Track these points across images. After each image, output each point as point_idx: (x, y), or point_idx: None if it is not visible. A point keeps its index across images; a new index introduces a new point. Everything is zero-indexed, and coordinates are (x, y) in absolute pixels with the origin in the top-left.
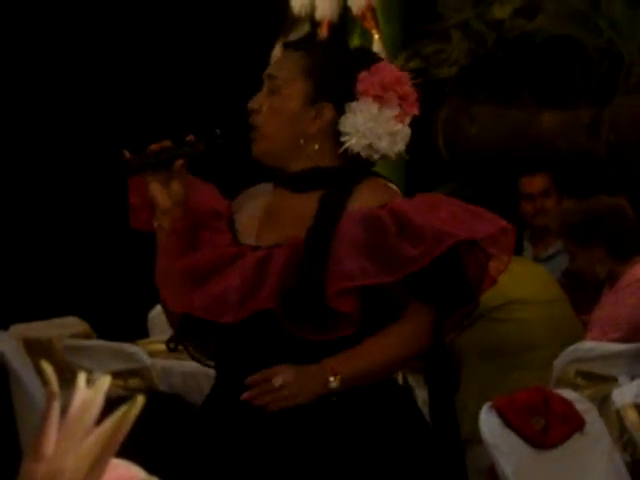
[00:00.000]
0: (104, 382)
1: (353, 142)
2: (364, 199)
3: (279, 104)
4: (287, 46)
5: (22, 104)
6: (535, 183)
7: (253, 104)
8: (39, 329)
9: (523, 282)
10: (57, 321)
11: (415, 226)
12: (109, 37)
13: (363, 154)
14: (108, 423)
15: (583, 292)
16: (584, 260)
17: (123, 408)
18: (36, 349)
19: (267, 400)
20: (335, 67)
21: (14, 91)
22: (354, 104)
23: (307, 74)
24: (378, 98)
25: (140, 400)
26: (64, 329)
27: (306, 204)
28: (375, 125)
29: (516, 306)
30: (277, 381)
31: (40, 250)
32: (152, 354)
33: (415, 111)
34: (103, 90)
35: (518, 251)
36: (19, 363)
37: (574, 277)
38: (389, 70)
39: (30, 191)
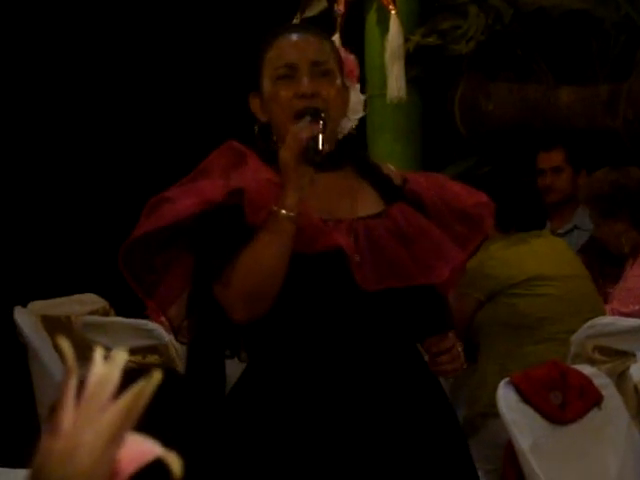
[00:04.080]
0: (121, 357)
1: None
2: (394, 174)
3: (338, 87)
4: (307, 31)
5: (22, 104)
6: (547, 159)
7: (306, 88)
8: (58, 306)
9: (543, 258)
10: (76, 298)
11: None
12: (113, 24)
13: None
14: (125, 398)
15: (601, 267)
16: (608, 231)
17: (140, 383)
18: (54, 326)
19: (454, 367)
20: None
21: (14, 91)
22: (355, 85)
23: (335, 59)
24: (357, 78)
25: (157, 375)
26: (83, 306)
27: (350, 182)
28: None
29: (536, 282)
30: (458, 347)
31: (58, 227)
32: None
33: None
34: (103, 86)
35: (541, 225)
36: (38, 340)
37: (591, 252)
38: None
39: (50, 170)
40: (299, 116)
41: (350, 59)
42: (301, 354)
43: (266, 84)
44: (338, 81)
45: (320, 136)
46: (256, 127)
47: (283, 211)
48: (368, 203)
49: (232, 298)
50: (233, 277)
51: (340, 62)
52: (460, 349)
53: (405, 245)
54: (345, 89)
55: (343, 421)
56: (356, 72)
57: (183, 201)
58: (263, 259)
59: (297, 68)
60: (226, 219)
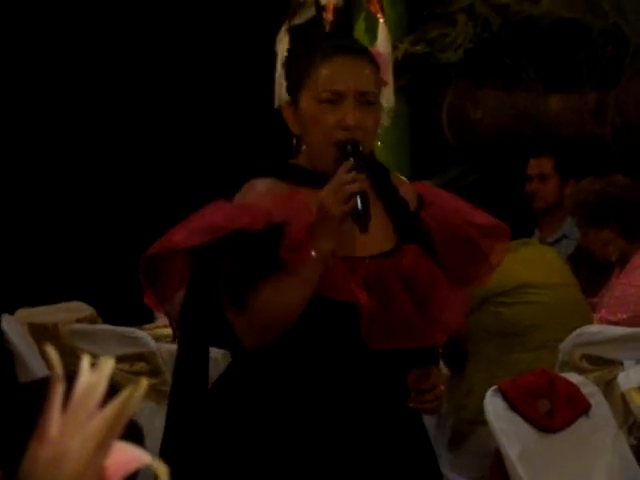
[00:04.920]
0: (108, 365)
1: None
2: (410, 195)
3: (378, 117)
4: (359, 55)
5: (22, 103)
6: (535, 166)
7: (350, 120)
8: (45, 314)
9: (532, 266)
10: (63, 306)
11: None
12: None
13: None
14: (112, 406)
15: (589, 276)
16: (595, 240)
17: (127, 391)
18: (42, 334)
19: (436, 405)
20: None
21: (14, 91)
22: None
23: (379, 84)
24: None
25: (144, 383)
26: (70, 314)
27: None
28: None
29: (524, 290)
30: (441, 387)
31: (46, 235)
32: (158, 339)
33: None
34: (103, 84)
35: (529, 234)
36: (25, 348)
37: (579, 261)
38: None
39: (35, 176)
40: (341, 152)
41: (384, 57)
42: (291, 382)
43: (307, 101)
44: (378, 110)
45: (365, 198)
46: (294, 140)
47: (316, 254)
48: (383, 236)
49: (248, 325)
50: (254, 305)
51: (379, 86)
52: (442, 388)
53: (415, 297)
54: (380, 115)
55: (325, 445)
56: (389, 71)
57: (227, 217)
58: (287, 295)
59: (344, 96)
60: (260, 247)
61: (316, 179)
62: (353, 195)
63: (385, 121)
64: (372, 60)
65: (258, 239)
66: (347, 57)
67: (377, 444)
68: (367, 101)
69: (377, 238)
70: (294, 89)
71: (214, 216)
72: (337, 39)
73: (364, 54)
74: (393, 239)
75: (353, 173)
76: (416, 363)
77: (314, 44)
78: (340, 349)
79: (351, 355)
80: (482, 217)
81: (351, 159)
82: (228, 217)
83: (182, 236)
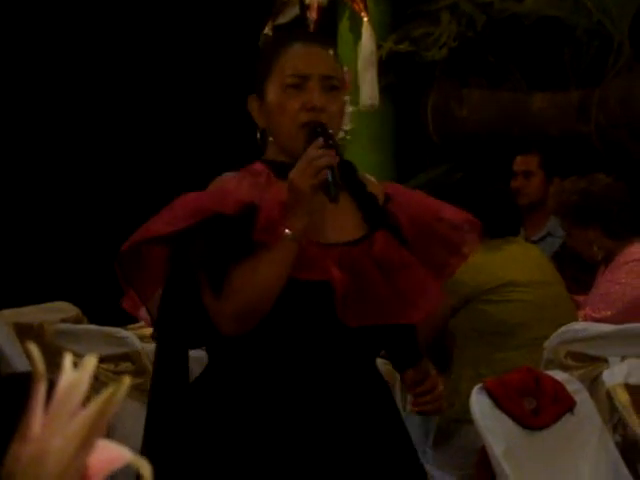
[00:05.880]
0: (90, 363)
1: None
2: (378, 190)
3: (342, 102)
4: (319, 42)
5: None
6: (521, 162)
7: (316, 102)
8: (30, 314)
9: (517, 264)
10: (48, 306)
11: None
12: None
13: None
14: (95, 405)
15: (574, 274)
16: (581, 239)
17: (109, 389)
18: (27, 334)
19: (437, 406)
20: None
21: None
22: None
23: (341, 72)
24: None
25: (126, 381)
26: (55, 314)
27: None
28: None
29: (509, 288)
30: (440, 387)
31: (31, 235)
32: (143, 338)
33: None
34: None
35: (516, 232)
36: (10, 348)
37: (564, 259)
38: None
39: (20, 177)
40: (311, 134)
41: (345, 71)
42: (269, 365)
43: (272, 91)
44: (342, 96)
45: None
46: (258, 133)
47: (289, 232)
48: (353, 225)
49: (225, 311)
50: (231, 289)
51: (342, 75)
52: (442, 388)
53: (388, 279)
54: (344, 103)
55: (301, 425)
56: (349, 84)
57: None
58: (263, 276)
59: (308, 79)
60: (234, 230)
61: (287, 170)
62: (322, 169)
63: (347, 123)
64: (334, 49)
65: (232, 222)
66: (309, 43)
67: (358, 427)
68: (331, 85)
69: (347, 227)
70: (260, 82)
71: (187, 203)
72: (296, 29)
73: (325, 42)
74: (363, 228)
75: (322, 150)
76: (394, 344)
77: (276, 38)
78: (317, 331)
79: (328, 337)
80: (451, 211)
81: (320, 138)
82: (201, 203)
83: (158, 225)
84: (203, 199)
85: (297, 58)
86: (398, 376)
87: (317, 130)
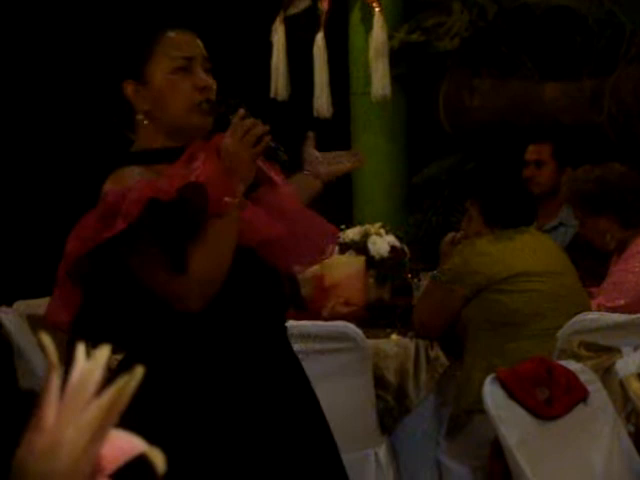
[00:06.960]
0: (103, 354)
1: None
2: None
3: (214, 82)
4: (186, 28)
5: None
6: (533, 151)
7: (204, 82)
8: (44, 305)
9: (529, 254)
10: None
11: None
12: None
13: None
14: (107, 394)
15: (588, 264)
16: (593, 228)
17: (122, 379)
18: (40, 326)
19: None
20: None
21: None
22: None
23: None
24: None
25: (139, 371)
26: None
27: None
28: None
29: (522, 278)
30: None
31: (46, 226)
32: None
33: None
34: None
35: (529, 222)
36: (24, 340)
37: (577, 248)
38: None
39: (33, 169)
40: (225, 108)
41: None
42: (223, 340)
43: (158, 74)
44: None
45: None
46: (140, 116)
47: (234, 200)
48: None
49: (190, 286)
50: (194, 266)
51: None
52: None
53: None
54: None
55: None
56: None
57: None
58: (218, 246)
59: (194, 60)
60: (180, 212)
61: (170, 154)
62: (260, 137)
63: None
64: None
65: (172, 204)
66: (183, 29)
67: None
68: (208, 67)
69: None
70: (136, 67)
71: (111, 204)
72: (165, 18)
73: (192, 29)
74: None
75: (253, 119)
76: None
77: (147, 24)
78: (263, 296)
79: (271, 307)
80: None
81: (241, 109)
82: (140, 194)
83: (122, 225)
84: (143, 190)
85: (179, 42)
86: (412, 357)
87: (231, 102)
